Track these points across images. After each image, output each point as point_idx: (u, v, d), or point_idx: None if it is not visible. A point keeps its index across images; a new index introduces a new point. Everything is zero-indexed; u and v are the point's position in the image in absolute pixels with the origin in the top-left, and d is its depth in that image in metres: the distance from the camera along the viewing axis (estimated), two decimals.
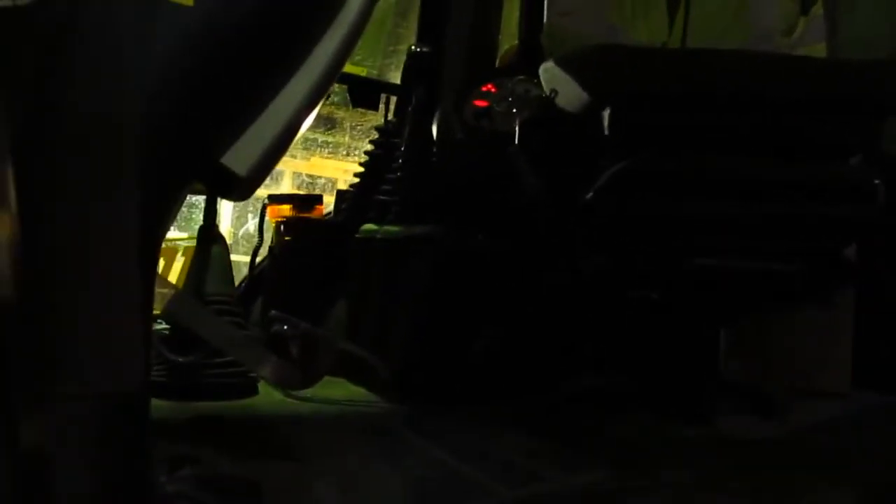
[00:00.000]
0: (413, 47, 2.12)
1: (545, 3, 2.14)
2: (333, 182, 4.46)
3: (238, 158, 1.14)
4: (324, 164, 4.50)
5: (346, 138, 4.10)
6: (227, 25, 1.08)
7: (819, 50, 1.96)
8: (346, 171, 3.86)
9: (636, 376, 1.81)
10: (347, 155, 4.16)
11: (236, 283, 2.17)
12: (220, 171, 1.12)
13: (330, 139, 4.17)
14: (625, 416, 1.71)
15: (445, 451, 1.41)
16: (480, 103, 2.11)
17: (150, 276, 0.92)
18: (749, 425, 1.75)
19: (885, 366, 1.89)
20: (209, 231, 1.75)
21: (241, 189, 1.20)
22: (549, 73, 1.68)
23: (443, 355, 1.82)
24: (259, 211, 2.37)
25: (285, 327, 1.43)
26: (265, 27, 1.13)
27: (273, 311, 1.57)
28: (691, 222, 1.48)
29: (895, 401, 1.88)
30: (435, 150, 2.11)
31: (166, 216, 0.97)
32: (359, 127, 3.77)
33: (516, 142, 1.82)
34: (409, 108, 2.09)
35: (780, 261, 1.52)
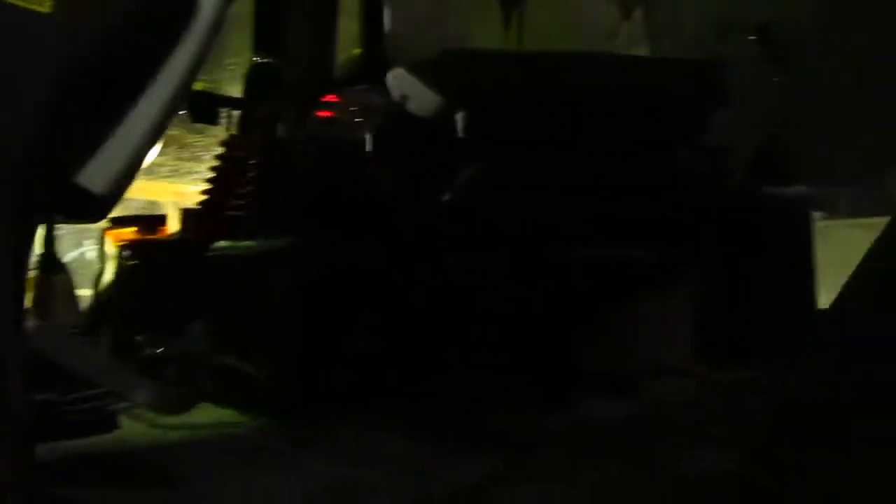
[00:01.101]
0: (255, 59, 2.08)
1: (385, 12, 2.17)
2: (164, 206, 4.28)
3: (93, 177, 1.10)
4: (158, 188, 4.31)
5: (182, 161, 3.96)
6: (79, 41, 1.03)
7: (642, 52, 2.11)
8: (183, 195, 3.73)
9: (502, 370, 1.87)
10: (184, 179, 4.01)
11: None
12: (75, 192, 1.07)
13: (165, 161, 4.00)
14: (496, 408, 1.75)
15: (328, 461, 1.40)
16: (324, 113, 2.10)
17: (18, 307, 0.87)
18: (607, 407, 1.85)
19: (727, 343, 2.04)
20: (50, 259, 1.66)
21: (96, 209, 1.15)
22: (399, 80, 1.71)
23: (314, 366, 1.80)
24: (99, 236, 2.25)
25: (160, 350, 1.37)
26: (117, 41, 1.09)
27: (140, 336, 1.50)
28: (545, 218, 1.55)
29: (738, 376, 2.04)
30: (285, 162, 2.09)
31: (29, 244, 0.92)
32: (193, 148, 3.65)
33: (369, 149, 1.83)
34: (257, 121, 2.05)
35: (630, 250, 1.63)
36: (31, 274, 2.17)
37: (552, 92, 1.53)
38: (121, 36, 1.08)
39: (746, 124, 2.17)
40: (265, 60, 2.07)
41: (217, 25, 1.25)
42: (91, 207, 1.12)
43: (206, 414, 1.73)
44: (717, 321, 2.04)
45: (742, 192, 1.97)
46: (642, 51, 2.11)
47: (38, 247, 1.79)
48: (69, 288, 1.78)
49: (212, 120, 2.41)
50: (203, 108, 2.37)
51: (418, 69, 1.61)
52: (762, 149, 2.23)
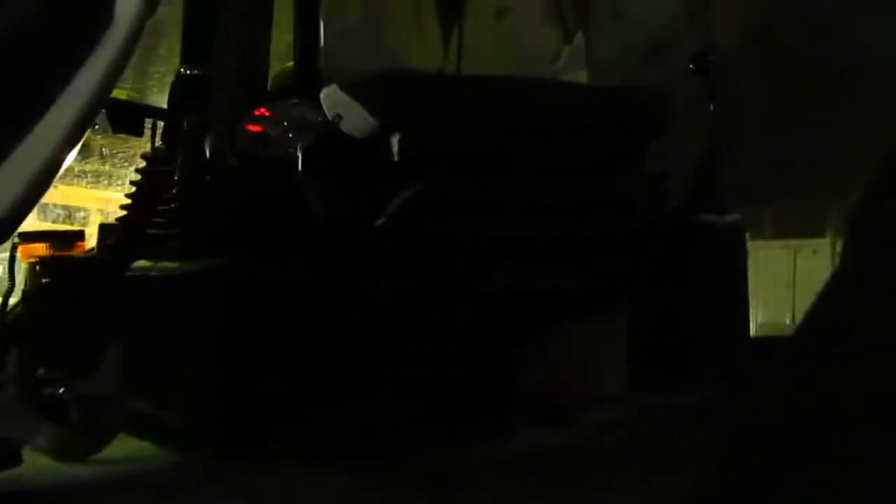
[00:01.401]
0: (182, 69, 1.99)
1: (321, 24, 2.10)
2: (87, 213, 4.12)
3: None
4: (81, 193, 4.13)
5: (107, 166, 3.80)
6: None
7: (582, 77, 2.09)
8: (108, 202, 3.57)
9: (432, 397, 1.82)
10: (109, 185, 3.85)
11: None
12: None
13: (87, 168, 3.84)
14: (425, 438, 1.70)
15: (246, 499, 1.32)
16: (254, 128, 2.02)
17: None
18: (541, 435, 1.81)
19: (656, 367, 2.04)
20: None
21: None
22: (333, 98, 1.65)
23: (236, 396, 1.71)
24: (9, 251, 2.12)
25: (61, 390, 1.27)
26: (15, 49, 1.01)
27: (42, 370, 1.39)
28: (478, 243, 1.51)
29: (666, 399, 2.03)
30: (210, 177, 2.00)
31: None
32: (120, 154, 3.51)
33: (300, 168, 1.76)
34: (181, 134, 1.96)
35: (562, 276, 1.60)
36: None
37: (489, 116, 1.49)
38: (19, 40, 1.00)
39: (681, 150, 2.18)
40: (191, 70, 1.98)
41: (135, 33, 1.17)
42: None
43: (122, 447, 1.63)
44: (652, 347, 2.03)
45: (676, 218, 1.97)
46: (582, 76, 2.09)
47: None
48: None
49: (135, 131, 2.30)
50: (125, 119, 2.26)
51: (353, 88, 1.55)
52: (696, 175, 2.24)
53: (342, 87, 1.59)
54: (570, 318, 1.78)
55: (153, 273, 1.84)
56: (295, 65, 2.28)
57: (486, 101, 1.53)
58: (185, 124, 1.94)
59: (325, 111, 1.75)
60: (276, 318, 1.70)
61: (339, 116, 1.64)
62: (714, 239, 2.10)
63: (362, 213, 1.55)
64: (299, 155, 1.77)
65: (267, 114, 2.02)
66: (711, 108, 2.15)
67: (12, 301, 2.16)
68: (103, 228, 2.26)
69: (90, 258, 2.12)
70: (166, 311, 1.80)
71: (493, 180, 1.50)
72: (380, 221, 1.52)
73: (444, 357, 1.69)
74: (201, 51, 2.63)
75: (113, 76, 1.18)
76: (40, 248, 2.11)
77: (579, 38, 2.13)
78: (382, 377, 1.69)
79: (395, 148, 1.48)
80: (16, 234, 2.20)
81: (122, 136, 2.44)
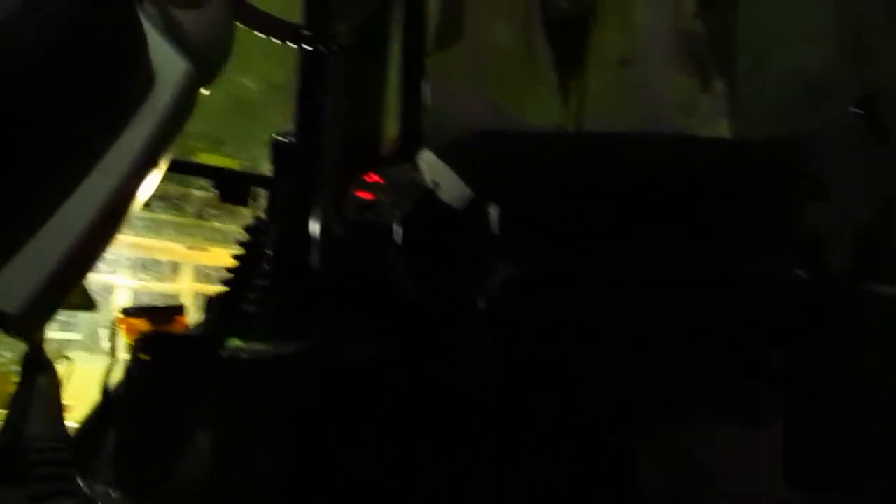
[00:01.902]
0: (275, 136, 1.88)
1: (424, 81, 1.95)
2: None
3: (4, 293, 0.86)
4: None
5: None
6: None
7: (722, 128, 1.83)
8: None
9: (540, 499, 1.57)
10: None
11: None
12: None
13: (234, 228, 3.87)
14: None
15: None
16: (364, 195, 1.87)
17: None
18: None
19: (822, 468, 1.70)
20: (36, 357, 1.45)
21: (16, 328, 0.92)
22: (429, 163, 1.47)
23: (318, 489, 1.54)
24: (111, 326, 2.06)
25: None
26: (31, 119, 0.87)
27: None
28: (596, 330, 1.27)
29: (823, 500, 1.71)
30: (311, 250, 1.86)
31: None
32: None
33: (398, 239, 1.59)
34: (275, 204, 1.84)
35: (698, 370, 1.32)
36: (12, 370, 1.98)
37: (607, 179, 1.26)
38: (37, 113, 0.87)
39: (842, 212, 1.86)
40: (287, 137, 1.86)
41: (184, 99, 1.02)
42: (9, 325, 0.89)
43: None
44: (807, 442, 1.71)
45: (839, 294, 1.65)
46: (721, 128, 1.83)
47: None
48: (52, 393, 1.57)
49: (241, 200, 2.22)
50: (230, 188, 2.19)
51: (445, 152, 1.36)
52: (862, 237, 1.90)
53: (437, 151, 1.41)
54: (711, 414, 1.50)
55: (242, 355, 1.71)
56: (400, 128, 2.14)
57: (604, 162, 1.30)
58: (278, 193, 1.82)
59: (426, 178, 1.57)
60: (365, 409, 1.52)
61: (436, 183, 1.45)
62: (887, 316, 1.76)
63: (459, 292, 1.35)
64: (397, 226, 1.60)
65: (378, 179, 1.88)
66: (881, 157, 1.83)
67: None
68: (208, 301, 2.18)
69: (185, 335, 2.03)
70: (251, 398, 1.66)
71: (612, 256, 1.26)
72: (477, 303, 1.31)
73: (551, 460, 1.44)
74: (313, 113, 2.55)
75: (157, 148, 1.02)
76: (141, 324, 2.05)
77: (717, 84, 1.88)
78: (479, 479, 1.46)
79: (495, 219, 1.27)
80: (120, 309, 2.15)
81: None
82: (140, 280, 8.60)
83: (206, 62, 1.21)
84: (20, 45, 0.80)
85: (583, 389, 1.32)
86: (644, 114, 1.90)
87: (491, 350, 1.32)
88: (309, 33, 1.90)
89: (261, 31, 1.85)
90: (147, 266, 8.88)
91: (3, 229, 0.84)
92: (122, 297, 8.12)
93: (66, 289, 0.97)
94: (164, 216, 7.50)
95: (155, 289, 8.54)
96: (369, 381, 1.52)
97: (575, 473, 1.52)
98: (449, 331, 1.41)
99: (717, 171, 1.30)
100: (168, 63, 1.00)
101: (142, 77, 0.96)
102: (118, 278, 8.44)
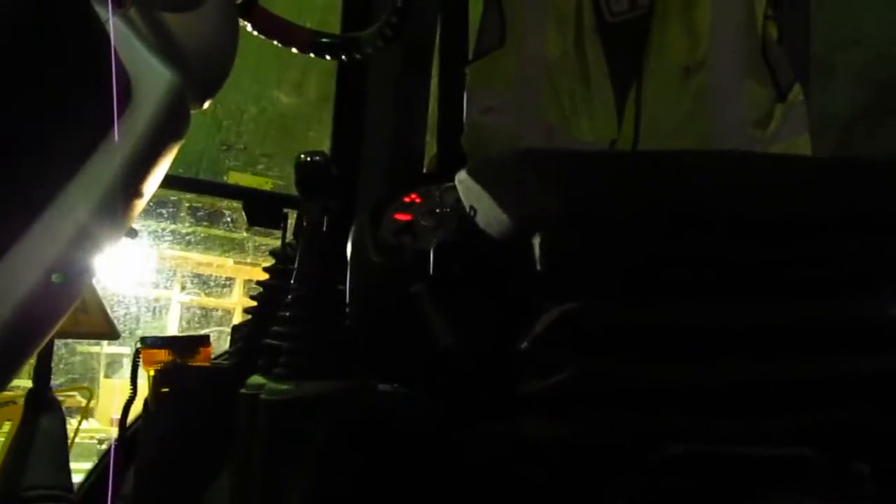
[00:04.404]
0: (302, 156, 1.73)
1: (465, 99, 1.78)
2: None
3: None
4: None
5: None
6: None
7: (803, 145, 1.62)
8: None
9: None
10: None
11: None
12: None
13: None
14: None
15: None
16: (402, 216, 1.70)
17: None
18: None
19: None
20: (39, 396, 1.32)
21: None
22: (465, 187, 1.29)
23: None
24: (132, 358, 1.93)
25: None
26: None
27: None
28: (666, 392, 1.07)
29: None
30: (342, 278, 1.70)
31: None
32: None
33: (431, 271, 1.41)
34: (301, 228, 1.69)
35: (786, 442, 1.10)
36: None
37: (668, 206, 1.07)
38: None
39: None
40: (314, 157, 1.71)
41: (169, 113, 0.87)
42: None
43: None
44: None
45: None
46: (802, 144, 1.61)
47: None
48: (56, 435, 1.43)
49: (271, 223, 2.08)
50: (259, 210, 2.05)
51: (480, 174, 1.19)
52: None
53: (471, 173, 1.23)
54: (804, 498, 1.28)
55: (263, 394, 1.55)
56: (438, 144, 1.98)
57: (664, 186, 1.11)
58: (304, 216, 1.66)
59: (462, 201, 1.39)
60: (388, 459, 1.34)
61: (473, 209, 1.27)
62: None
63: (495, 336, 1.17)
64: (431, 255, 1.42)
65: (418, 200, 1.71)
66: None
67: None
68: (235, 330, 2.04)
69: (206, 369, 1.88)
70: (271, 440, 1.50)
71: (676, 302, 1.06)
72: (518, 349, 1.13)
73: None
74: (353, 132, 2.41)
75: (136, 173, 0.86)
76: (163, 355, 1.91)
77: (796, 93, 1.66)
78: None
79: (537, 251, 1.09)
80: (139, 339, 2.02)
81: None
82: (191, 295, 8.62)
83: (202, 74, 1.06)
84: None
85: (651, 466, 1.12)
86: (712, 128, 1.69)
87: (532, 405, 1.13)
88: (328, 40, 1.75)
89: (273, 39, 1.70)
90: (204, 281, 8.90)
91: None
92: (174, 312, 8.15)
93: (46, 325, 0.82)
94: (216, 231, 7.49)
95: (207, 304, 8.54)
96: (394, 433, 1.35)
97: None
98: (480, 380, 1.23)
99: (808, 196, 1.09)
100: (149, 75, 0.84)
101: (105, 91, 0.80)
102: (173, 293, 8.46)
